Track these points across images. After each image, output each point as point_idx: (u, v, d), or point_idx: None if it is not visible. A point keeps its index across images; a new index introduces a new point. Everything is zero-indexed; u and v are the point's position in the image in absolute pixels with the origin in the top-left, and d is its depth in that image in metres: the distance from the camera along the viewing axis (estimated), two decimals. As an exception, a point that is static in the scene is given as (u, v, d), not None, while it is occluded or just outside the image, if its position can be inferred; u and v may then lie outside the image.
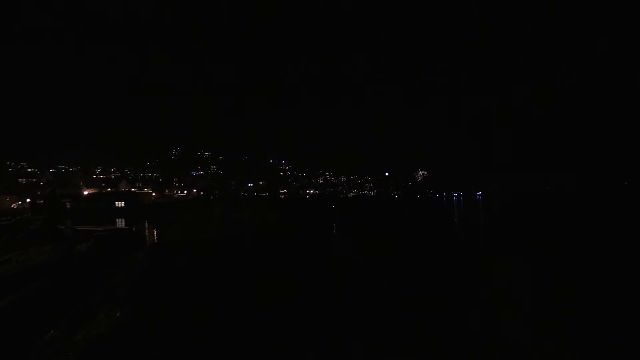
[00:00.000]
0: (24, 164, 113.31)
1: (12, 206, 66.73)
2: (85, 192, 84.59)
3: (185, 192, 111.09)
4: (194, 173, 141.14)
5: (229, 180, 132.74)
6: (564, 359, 5.93)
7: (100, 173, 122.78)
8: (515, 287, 10.09)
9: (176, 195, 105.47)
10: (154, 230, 34.33)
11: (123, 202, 76.37)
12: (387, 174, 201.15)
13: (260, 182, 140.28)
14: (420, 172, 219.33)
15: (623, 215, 35.65)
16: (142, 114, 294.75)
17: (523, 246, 18.34)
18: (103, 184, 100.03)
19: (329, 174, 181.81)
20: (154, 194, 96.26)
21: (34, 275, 6.63)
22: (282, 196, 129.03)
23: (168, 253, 18.22)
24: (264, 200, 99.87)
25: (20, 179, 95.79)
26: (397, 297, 9.15)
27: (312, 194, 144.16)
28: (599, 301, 8.73)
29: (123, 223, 42.56)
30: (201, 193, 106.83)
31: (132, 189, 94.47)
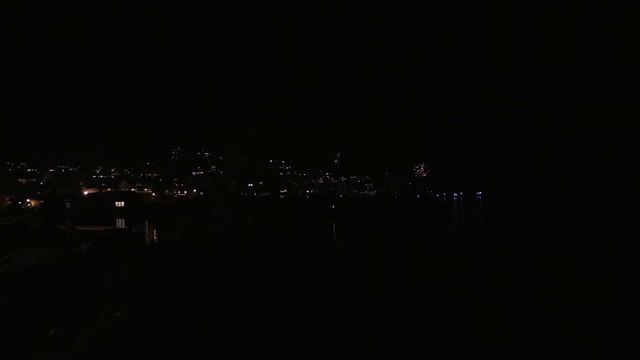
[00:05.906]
0: (24, 164, 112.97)
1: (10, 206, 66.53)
2: (85, 192, 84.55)
3: (185, 192, 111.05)
4: (194, 173, 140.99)
5: (229, 180, 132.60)
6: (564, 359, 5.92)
7: (100, 173, 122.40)
8: (515, 288, 10.08)
9: (176, 195, 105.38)
10: (154, 230, 34.36)
11: (123, 202, 76.31)
12: (387, 173, 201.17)
13: (260, 182, 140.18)
14: (422, 166, 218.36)
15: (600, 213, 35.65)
16: (142, 113, 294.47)
17: (522, 246, 18.31)
18: (103, 184, 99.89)
19: (329, 174, 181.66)
20: (153, 194, 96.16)
21: (34, 275, 6.63)
22: (282, 196, 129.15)
23: (168, 253, 18.24)
24: (264, 200, 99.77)
25: (20, 179, 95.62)
26: (398, 297, 9.15)
27: (311, 194, 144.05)
28: (598, 301, 8.72)
29: (123, 223, 42.58)
30: (201, 193, 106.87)
31: (132, 189, 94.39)
